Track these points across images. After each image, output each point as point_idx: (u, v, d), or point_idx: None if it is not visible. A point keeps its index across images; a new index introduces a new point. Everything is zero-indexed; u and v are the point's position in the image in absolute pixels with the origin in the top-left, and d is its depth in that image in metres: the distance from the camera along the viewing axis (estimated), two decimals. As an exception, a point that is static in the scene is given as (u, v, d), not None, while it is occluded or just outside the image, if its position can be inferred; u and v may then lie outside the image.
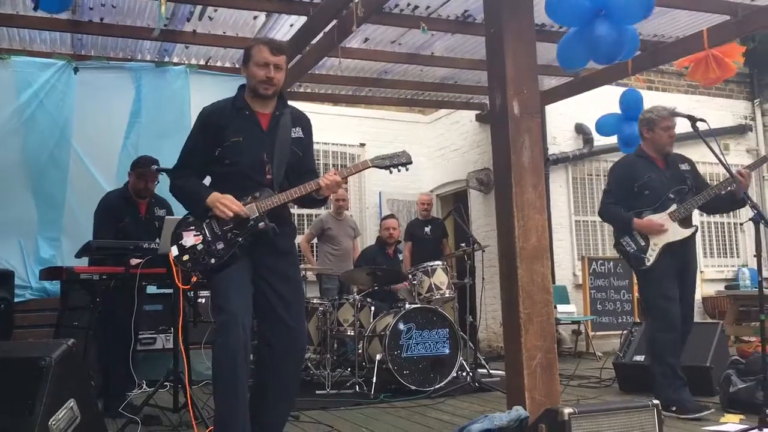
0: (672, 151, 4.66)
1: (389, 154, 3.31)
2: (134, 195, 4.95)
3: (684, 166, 4.65)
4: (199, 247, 3.04)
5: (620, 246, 4.58)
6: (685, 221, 4.48)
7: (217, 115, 3.18)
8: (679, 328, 4.40)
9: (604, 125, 6.99)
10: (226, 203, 3.02)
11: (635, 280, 6.89)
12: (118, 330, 4.67)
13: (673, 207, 4.46)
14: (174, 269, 3.07)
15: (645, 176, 4.54)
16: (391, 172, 3.33)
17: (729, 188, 4.37)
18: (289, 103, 3.33)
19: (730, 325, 7.23)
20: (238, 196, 3.07)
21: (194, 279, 3.12)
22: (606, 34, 4.41)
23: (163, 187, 5.03)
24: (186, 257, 3.05)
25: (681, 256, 4.48)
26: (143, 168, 4.86)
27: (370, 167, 3.27)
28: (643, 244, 4.47)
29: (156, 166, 4.66)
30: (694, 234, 4.50)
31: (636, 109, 6.32)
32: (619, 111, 6.86)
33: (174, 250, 3.07)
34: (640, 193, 4.53)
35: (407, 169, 3.32)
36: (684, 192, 4.52)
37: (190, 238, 3.06)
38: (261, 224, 3.04)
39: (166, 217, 4.55)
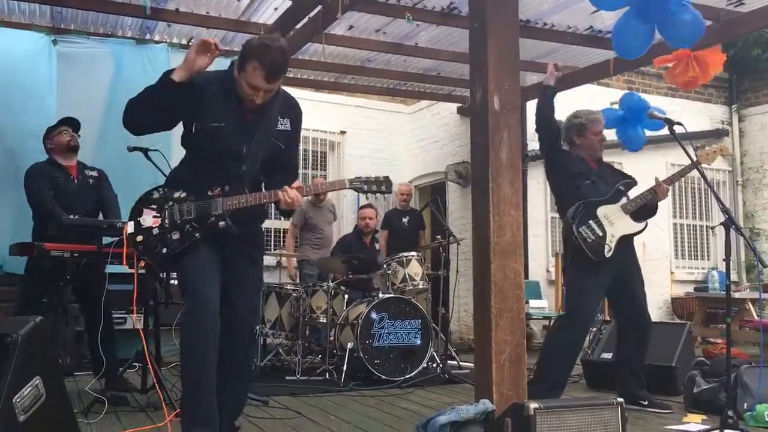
0: (602, 156, 4.64)
1: (371, 179, 3.17)
2: (60, 156, 4.82)
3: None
4: (155, 231, 2.95)
5: (578, 235, 4.33)
6: (636, 215, 4.46)
7: (204, 84, 2.98)
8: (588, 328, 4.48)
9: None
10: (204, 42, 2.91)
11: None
12: (87, 309, 4.65)
13: (624, 200, 4.46)
14: (125, 247, 2.99)
15: (579, 167, 4.50)
16: (367, 198, 3.28)
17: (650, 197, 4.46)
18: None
19: (697, 327, 7.32)
20: (210, 181, 2.99)
21: (142, 264, 3.04)
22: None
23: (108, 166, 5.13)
24: (140, 238, 2.96)
25: (624, 252, 4.44)
26: (60, 125, 4.84)
27: (347, 188, 3.17)
28: (601, 234, 4.35)
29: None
30: (643, 229, 4.49)
31: (638, 112, 6.20)
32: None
33: (130, 227, 2.98)
34: (581, 183, 4.45)
35: (385, 198, 3.24)
36: (631, 185, 4.54)
37: (149, 218, 2.97)
38: (221, 223, 2.95)
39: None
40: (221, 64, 3.22)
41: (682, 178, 4.87)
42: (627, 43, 4.55)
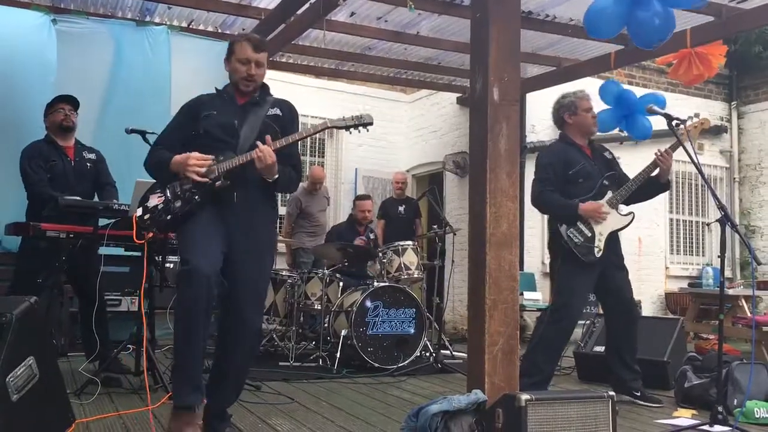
0: (595, 133, 4.65)
1: (353, 116, 3.25)
2: (57, 135, 4.78)
3: (607, 155, 4.66)
4: (160, 206, 3.14)
5: (568, 239, 4.33)
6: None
7: (201, 99, 3.30)
8: (576, 323, 4.44)
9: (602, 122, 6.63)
10: (194, 163, 3.06)
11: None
12: (81, 291, 4.64)
13: (610, 194, 4.40)
14: (135, 227, 3.19)
15: (579, 163, 4.45)
16: (350, 133, 3.32)
17: (653, 173, 4.40)
18: (273, 85, 3.35)
19: (690, 322, 7.36)
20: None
21: (150, 235, 3.24)
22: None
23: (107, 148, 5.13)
24: (147, 216, 3.16)
25: (612, 248, 4.43)
26: (57, 102, 4.79)
27: (328, 127, 3.24)
28: (589, 235, 4.33)
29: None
30: (629, 223, 4.45)
31: (620, 99, 6.16)
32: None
33: (139, 212, 3.19)
34: (575, 181, 4.43)
35: (368, 130, 3.27)
36: (615, 177, 4.51)
37: (154, 200, 3.17)
38: (218, 183, 3.07)
39: (138, 180, 4.44)
40: (220, 48, 3.27)
41: (680, 175, 4.86)
42: (598, 24, 4.50)
